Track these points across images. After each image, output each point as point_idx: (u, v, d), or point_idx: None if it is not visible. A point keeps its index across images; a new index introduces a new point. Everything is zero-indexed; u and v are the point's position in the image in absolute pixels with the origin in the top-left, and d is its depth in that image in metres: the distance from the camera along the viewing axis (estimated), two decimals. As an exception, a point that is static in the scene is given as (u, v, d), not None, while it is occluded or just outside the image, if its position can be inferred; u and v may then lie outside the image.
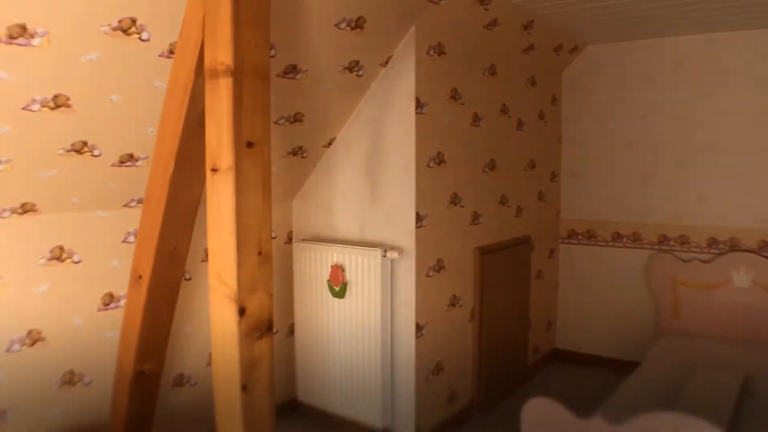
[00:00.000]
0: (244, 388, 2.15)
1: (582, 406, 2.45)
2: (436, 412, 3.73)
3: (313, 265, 3.79)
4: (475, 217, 3.96)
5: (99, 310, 3.02)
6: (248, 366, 2.17)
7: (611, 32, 4.43)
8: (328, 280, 3.69)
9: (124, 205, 3.02)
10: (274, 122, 3.26)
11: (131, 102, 2.56)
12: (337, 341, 3.72)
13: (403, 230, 3.49)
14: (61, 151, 2.53)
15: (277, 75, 3.00)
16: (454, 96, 3.66)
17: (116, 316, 3.08)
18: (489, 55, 3.96)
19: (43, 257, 2.78)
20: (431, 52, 3.46)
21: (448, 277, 3.74)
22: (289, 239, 4.04)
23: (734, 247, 4.39)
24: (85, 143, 2.58)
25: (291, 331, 4.06)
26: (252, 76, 2.11)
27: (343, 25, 3.00)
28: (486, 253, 4.01)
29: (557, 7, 3.76)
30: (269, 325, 2.24)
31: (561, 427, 2.36)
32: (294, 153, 3.62)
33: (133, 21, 2.31)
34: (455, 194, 3.74)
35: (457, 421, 3.89)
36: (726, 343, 4.11)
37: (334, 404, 3.80)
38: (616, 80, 4.77)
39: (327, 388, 3.83)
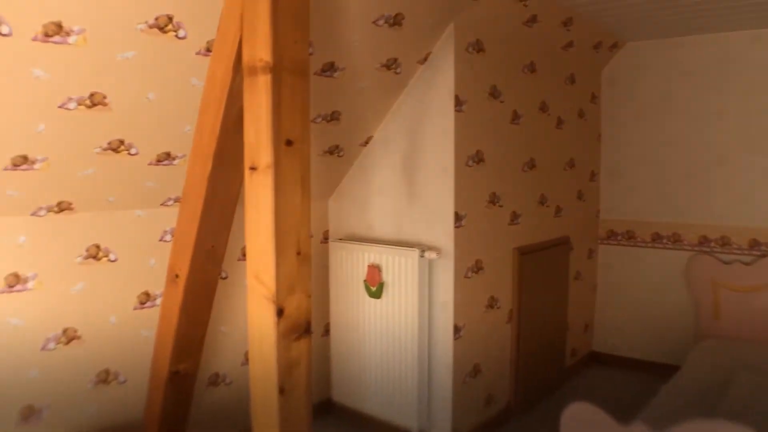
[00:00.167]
0: (281, 390, 2.12)
1: (619, 410, 2.38)
2: (473, 415, 3.67)
3: (350, 265, 3.75)
4: (514, 217, 3.88)
5: (135, 308, 3.02)
6: (286, 368, 2.13)
7: (652, 29, 4.32)
8: (364, 280, 3.65)
9: (161, 204, 3.01)
10: (311, 121, 3.22)
11: (168, 100, 2.54)
12: (373, 342, 3.68)
13: (441, 230, 3.44)
14: (98, 150, 2.52)
15: (315, 73, 2.96)
16: (494, 94, 3.59)
17: (152, 315, 3.08)
18: (528, 52, 3.88)
19: (80, 256, 2.78)
20: (470, 49, 3.39)
21: (487, 278, 3.68)
22: (326, 238, 4.01)
23: (777, 249, 4.26)
24: (121, 142, 2.57)
25: (326, 331, 4.03)
26: (291, 72, 2.07)
27: (381, 22, 2.95)
28: (525, 253, 3.94)
29: (597, 4, 3.68)
30: (307, 326, 2.20)
31: (601, 432, 2.30)
32: (330, 152, 3.59)
33: (170, 18, 2.29)
34: (494, 194, 3.67)
35: (494, 424, 3.83)
36: (768, 347, 3.98)
37: (369, 405, 3.76)
38: (656, 78, 4.64)
39: (362, 389, 3.79)
